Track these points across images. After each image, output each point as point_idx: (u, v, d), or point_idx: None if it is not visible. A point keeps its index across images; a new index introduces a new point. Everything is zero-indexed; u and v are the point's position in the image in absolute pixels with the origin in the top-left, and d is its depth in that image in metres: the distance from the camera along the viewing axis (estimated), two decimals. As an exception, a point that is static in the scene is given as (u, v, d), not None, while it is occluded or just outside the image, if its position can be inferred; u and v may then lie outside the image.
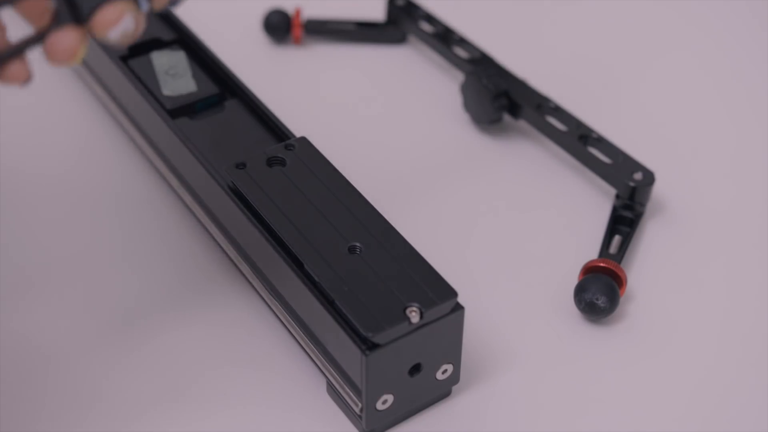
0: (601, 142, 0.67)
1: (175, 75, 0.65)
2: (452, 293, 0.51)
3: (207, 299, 0.60)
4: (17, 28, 0.48)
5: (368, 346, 0.49)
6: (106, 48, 0.67)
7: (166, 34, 0.69)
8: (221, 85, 0.65)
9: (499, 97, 0.71)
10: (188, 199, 0.63)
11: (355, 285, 0.51)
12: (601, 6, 0.85)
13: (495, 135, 0.73)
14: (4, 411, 0.54)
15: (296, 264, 0.53)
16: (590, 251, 0.63)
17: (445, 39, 0.78)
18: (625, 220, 0.65)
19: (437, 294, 0.51)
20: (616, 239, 0.63)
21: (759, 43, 0.82)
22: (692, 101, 0.77)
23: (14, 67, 0.44)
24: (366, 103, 0.75)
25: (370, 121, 0.73)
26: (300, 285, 0.53)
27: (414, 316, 0.49)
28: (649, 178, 0.65)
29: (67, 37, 0.44)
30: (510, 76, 0.73)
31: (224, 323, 0.59)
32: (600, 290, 0.58)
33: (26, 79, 0.44)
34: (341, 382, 0.52)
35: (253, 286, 0.59)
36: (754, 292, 0.62)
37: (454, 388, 0.55)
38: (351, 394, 0.52)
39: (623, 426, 0.54)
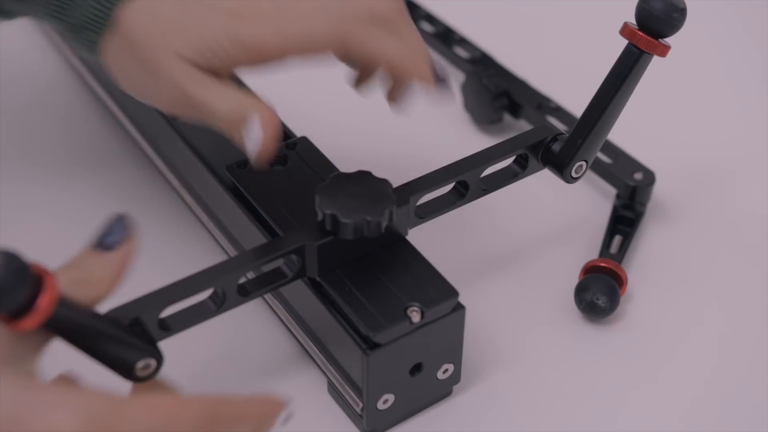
0: (602, 142, 0.67)
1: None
2: (453, 293, 0.51)
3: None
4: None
5: (369, 345, 0.49)
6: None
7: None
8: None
9: (500, 97, 0.71)
10: (188, 198, 0.63)
11: (356, 284, 0.51)
12: (601, 6, 0.85)
13: (495, 135, 0.73)
14: None
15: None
16: (591, 251, 0.63)
17: (445, 39, 0.78)
18: (625, 220, 0.65)
19: (438, 293, 0.50)
20: (617, 239, 0.63)
21: (759, 43, 0.83)
22: (692, 101, 0.77)
23: None
24: (367, 102, 0.75)
25: (371, 120, 0.73)
26: (301, 284, 0.52)
27: (415, 316, 0.49)
28: (649, 178, 0.65)
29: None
30: (510, 75, 0.73)
31: (224, 322, 0.59)
32: (600, 290, 0.58)
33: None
34: (342, 382, 0.52)
35: (253, 286, 0.59)
36: (754, 292, 0.62)
37: (454, 387, 0.55)
38: (352, 393, 0.52)
39: (623, 425, 0.54)
